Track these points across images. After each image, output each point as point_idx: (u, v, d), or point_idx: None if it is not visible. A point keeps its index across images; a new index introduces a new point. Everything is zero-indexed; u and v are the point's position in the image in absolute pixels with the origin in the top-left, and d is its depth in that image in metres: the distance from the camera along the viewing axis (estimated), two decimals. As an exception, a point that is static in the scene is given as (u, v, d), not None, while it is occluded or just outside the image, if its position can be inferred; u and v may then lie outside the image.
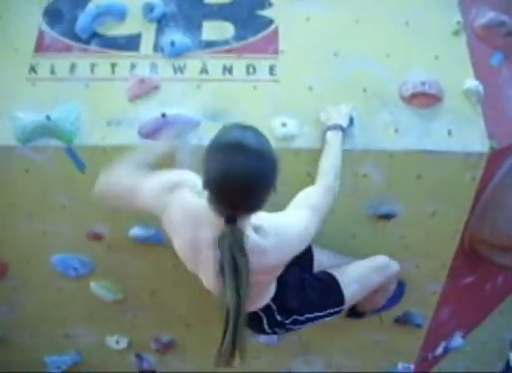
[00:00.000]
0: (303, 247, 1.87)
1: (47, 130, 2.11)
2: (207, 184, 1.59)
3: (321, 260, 2.28)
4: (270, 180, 1.60)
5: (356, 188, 2.18)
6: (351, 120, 2.10)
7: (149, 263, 2.39)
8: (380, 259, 2.28)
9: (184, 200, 1.77)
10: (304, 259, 2.17)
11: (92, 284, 2.51)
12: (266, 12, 2.32)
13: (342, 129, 2.04)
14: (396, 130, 2.12)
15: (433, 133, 2.13)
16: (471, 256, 2.43)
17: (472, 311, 2.87)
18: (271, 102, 2.13)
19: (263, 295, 2.03)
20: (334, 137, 2.03)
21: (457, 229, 2.34)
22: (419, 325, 2.65)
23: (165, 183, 1.82)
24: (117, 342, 2.80)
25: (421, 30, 2.32)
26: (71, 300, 2.60)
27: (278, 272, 1.92)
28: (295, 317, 2.12)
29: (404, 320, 2.62)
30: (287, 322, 2.12)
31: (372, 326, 2.64)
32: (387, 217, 2.25)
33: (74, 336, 2.83)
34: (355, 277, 2.22)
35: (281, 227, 1.79)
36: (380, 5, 2.37)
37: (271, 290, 2.06)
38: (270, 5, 2.34)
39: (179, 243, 1.83)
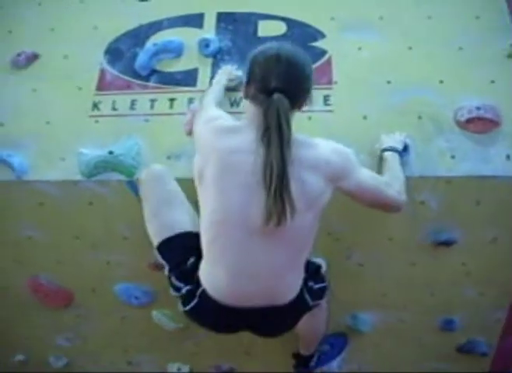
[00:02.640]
0: (349, 179, 1.82)
1: (109, 164, 2.19)
2: (251, 75, 1.77)
3: None
4: (307, 75, 1.78)
5: (414, 216, 2.16)
6: (406, 148, 2.10)
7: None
8: None
9: (219, 122, 1.85)
10: None
11: (154, 313, 2.56)
12: (319, 43, 2.37)
13: (398, 152, 2.05)
14: (453, 157, 2.10)
15: (491, 158, 2.09)
16: (536, 281, 2.37)
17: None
18: (326, 132, 2.13)
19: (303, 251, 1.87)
20: (392, 156, 2.04)
21: (520, 255, 2.29)
22: (484, 354, 2.57)
23: (204, 117, 1.93)
24: (179, 369, 2.82)
25: (475, 54, 2.31)
26: (134, 328, 2.65)
27: (320, 201, 1.78)
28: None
29: (467, 349, 2.55)
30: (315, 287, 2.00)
31: (434, 356, 2.59)
32: (447, 243, 2.22)
33: (136, 364, 2.88)
34: None
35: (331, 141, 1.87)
36: (432, 31, 2.38)
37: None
38: (322, 36, 2.38)
39: (206, 158, 1.79)
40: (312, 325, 2.29)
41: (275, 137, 1.64)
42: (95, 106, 2.36)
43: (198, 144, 1.87)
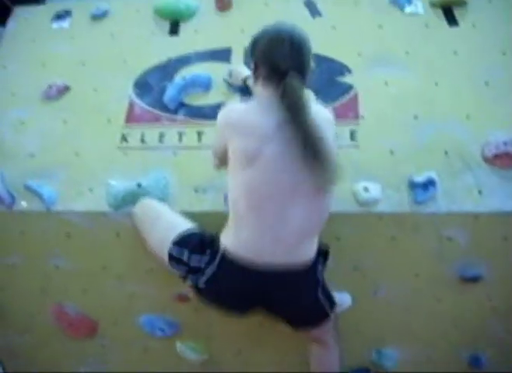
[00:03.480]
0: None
1: (137, 196, 2.22)
2: (259, 60, 1.90)
3: None
4: (309, 48, 1.92)
5: (441, 251, 2.15)
6: (432, 183, 2.10)
7: (235, 324, 2.40)
8: None
9: (237, 108, 1.95)
10: None
11: (179, 344, 2.55)
12: (345, 78, 2.40)
13: None
14: (480, 192, 2.10)
15: (519, 194, 2.09)
16: None
17: None
18: (353, 167, 2.17)
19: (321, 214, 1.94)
20: None
21: (548, 291, 2.26)
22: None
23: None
24: (200, 401, 2.81)
25: (501, 90, 2.32)
26: (157, 359, 2.63)
27: None
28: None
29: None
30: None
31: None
32: (474, 279, 2.20)
33: (158, 395, 2.88)
34: None
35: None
36: (458, 66, 2.40)
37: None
38: (349, 71, 2.41)
39: (245, 144, 1.85)
40: (325, 363, 2.23)
41: (304, 112, 1.77)
42: (124, 138, 2.41)
43: (237, 129, 1.88)
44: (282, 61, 1.83)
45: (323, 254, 2.03)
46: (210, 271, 1.92)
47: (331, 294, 2.06)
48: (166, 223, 2.11)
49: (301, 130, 1.76)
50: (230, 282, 1.92)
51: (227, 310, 2.06)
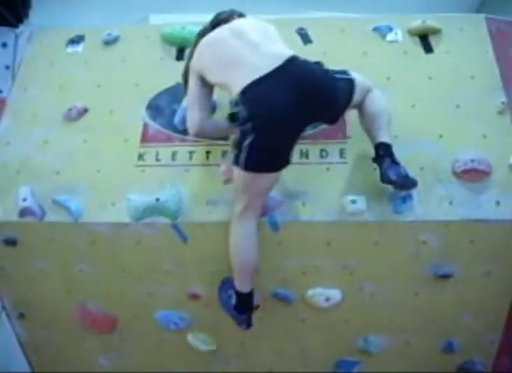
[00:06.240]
0: None
1: (155, 209, 2.52)
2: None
3: None
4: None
5: (417, 253, 2.49)
6: (410, 196, 2.44)
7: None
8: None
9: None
10: None
11: (190, 336, 2.85)
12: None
13: None
14: (450, 203, 2.44)
15: (483, 204, 2.43)
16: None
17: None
18: (342, 181, 2.49)
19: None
20: None
21: (510, 285, 2.59)
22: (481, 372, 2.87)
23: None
24: (208, 386, 3.11)
25: (470, 112, 2.64)
26: (171, 350, 2.94)
27: None
28: None
29: (466, 368, 2.84)
30: None
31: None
32: (446, 277, 2.54)
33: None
34: None
35: None
36: (433, 90, 2.71)
37: None
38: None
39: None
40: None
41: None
42: (140, 156, 2.68)
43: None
44: None
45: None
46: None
47: None
48: None
49: None
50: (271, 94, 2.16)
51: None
